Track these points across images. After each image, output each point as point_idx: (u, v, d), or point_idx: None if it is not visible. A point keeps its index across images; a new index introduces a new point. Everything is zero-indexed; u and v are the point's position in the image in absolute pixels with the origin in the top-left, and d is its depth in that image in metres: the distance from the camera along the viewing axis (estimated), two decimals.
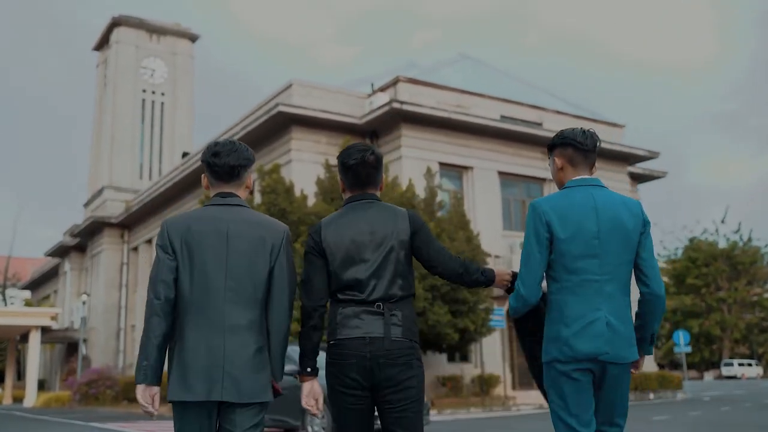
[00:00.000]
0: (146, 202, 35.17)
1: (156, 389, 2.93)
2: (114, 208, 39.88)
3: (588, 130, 3.25)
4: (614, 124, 30.87)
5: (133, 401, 28.29)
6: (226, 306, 2.92)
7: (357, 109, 25.55)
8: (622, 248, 3.04)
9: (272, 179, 18.92)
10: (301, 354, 3.19)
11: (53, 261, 49.11)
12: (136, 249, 38.18)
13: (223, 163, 3.09)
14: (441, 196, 22.40)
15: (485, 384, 22.40)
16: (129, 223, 38.55)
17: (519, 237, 25.65)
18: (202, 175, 3.24)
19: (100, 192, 42.28)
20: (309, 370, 3.15)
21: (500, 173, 26.50)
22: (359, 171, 3.27)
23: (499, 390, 23.22)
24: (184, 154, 33.44)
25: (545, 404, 18.47)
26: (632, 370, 3.15)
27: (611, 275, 3.02)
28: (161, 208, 34.36)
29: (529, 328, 3.32)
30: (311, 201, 19.89)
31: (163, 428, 14.35)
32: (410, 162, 23.82)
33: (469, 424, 14.84)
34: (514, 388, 24.84)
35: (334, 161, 20.41)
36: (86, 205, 44.85)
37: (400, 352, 3.09)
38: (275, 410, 11.08)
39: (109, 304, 37.79)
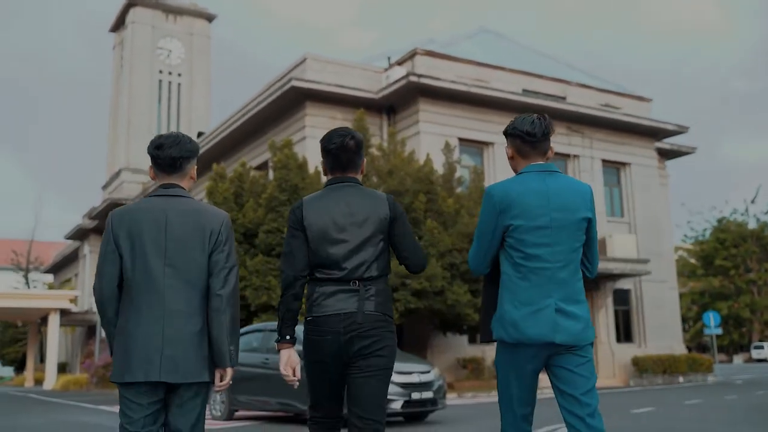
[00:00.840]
0: None
1: None
2: (131, 189, 39.55)
3: (539, 118, 3.26)
4: (641, 98, 29.77)
5: None
6: (165, 291, 3.05)
7: (373, 84, 24.75)
8: (574, 235, 3.12)
9: (284, 154, 18.21)
10: (280, 321, 3.31)
11: (74, 244, 49.05)
12: None
13: (165, 156, 3.20)
14: (460, 172, 21.57)
15: None
16: None
17: None
18: (149, 166, 3.35)
19: (117, 174, 41.99)
20: (288, 337, 3.29)
21: None
22: (339, 155, 3.39)
23: None
24: (199, 134, 32.95)
25: None
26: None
27: (564, 262, 3.09)
28: None
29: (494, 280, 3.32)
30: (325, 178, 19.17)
31: None
32: (428, 137, 23.00)
33: (490, 408, 14.12)
34: None
35: None
36: (104, 187, 44.63)
37: (372, 324, 3.22)
38: (282, 394, 10.49)
39: None
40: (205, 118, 44.55)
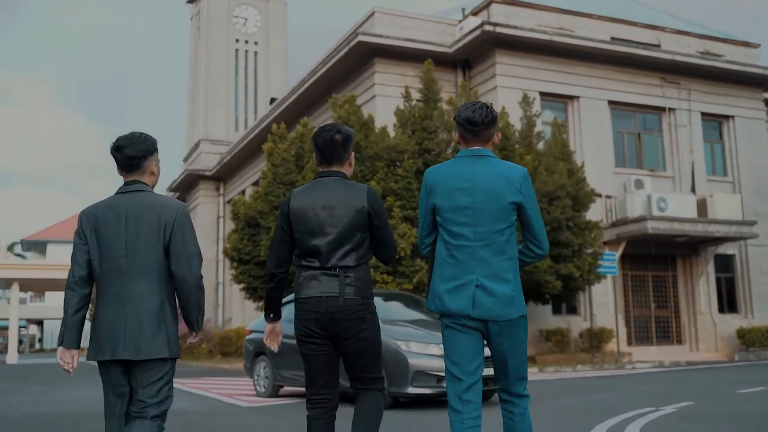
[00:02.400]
0: (237, 152, 34.13)
1: (75, 351, 3.45)
2: (209, 161, 39.26)
3: (482, 107, 3.43)
4: (747, 44, 26.90)
5: (227, 356, 27.68)
6: (125, 279, 3.39)
7: (446, 38, 23.08)
8: (496, 218, 3.30)
9: (344, 111, 16.92)
10: (264, 307, 3.82)
11: None
12: (230, 202, 37.40)
13: (122, 156, 3.49)
14: (540, 128, 19.76)
15: (595, 339, 19.89)
16: (223, 176, 37.79)
17: (634, 174, 22.72)
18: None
19: (196, 146, 41.86)
20: (272, 316, 3.78)
21: (611, 103, 23.43)
22: (325, 149, 3.65)
23: (611, 346, 20.63)
24: (272, 100, 32.08)
25: (665, 361, 15.37)
26: None
27: (485, 241, 3.30)
28: (253, 157, 33.19)
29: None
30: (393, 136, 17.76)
31: (218, 384, 13.10)
32: (506, 93, 21.23)
33: (574, 384, 12.56)
34: (629, 343, 22.18)
35: (416, 94, 18.21)
36: (185, 159, 44.66)
37: (352, 308, 3.54)
38: (296, 366, 9.50)
39: (206, 258, 37.29)
40: (282, 87, 43.75)
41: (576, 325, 21.04)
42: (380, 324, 3.76)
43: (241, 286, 19.06)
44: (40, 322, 74.96)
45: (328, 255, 3.53)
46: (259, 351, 11.02)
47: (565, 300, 19.86)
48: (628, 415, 7.67)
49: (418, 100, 18.02)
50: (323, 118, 25.01)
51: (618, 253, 20.75)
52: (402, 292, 12.31)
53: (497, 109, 19.27)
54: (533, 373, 16.42)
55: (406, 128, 17.34)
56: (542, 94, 22.10)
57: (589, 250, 18.07)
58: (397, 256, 15.79)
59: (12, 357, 35.18)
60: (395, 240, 3.77)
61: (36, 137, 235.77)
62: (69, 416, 8.79)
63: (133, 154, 3.46)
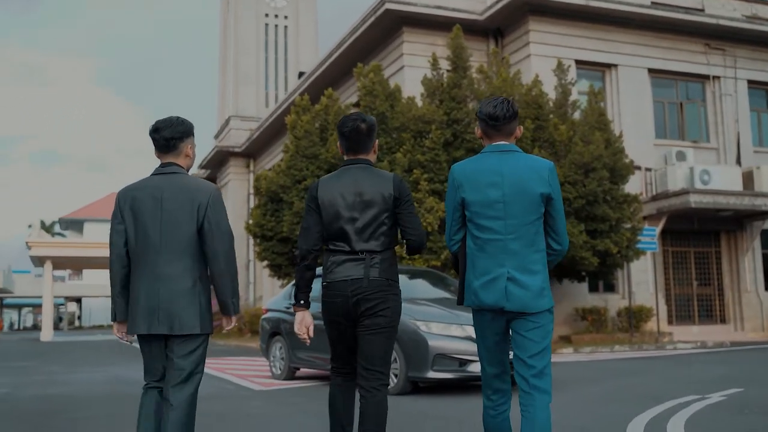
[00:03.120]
0: (266, 128, 33.61)
1: (125, 325, 3.72)
2: (239, 137, 38.84)
3: (503, 102, 3.46)
4: None
5: (257, 334, 27.34)
6: (160, 258, 3.57)
7: (477, 5, 22.09)
8: (527, 210, 3.33)
9: (369, 80, 16.19)
10: (295, 289, 3.81)
11: None
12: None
13: (160, 137, 3.68)
14: (576, 97, 18.79)
15: (634, 317, 19.02)
16: (253, 152, 37.34)
17: (676, 146, 21.63)
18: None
19: (227, 122, 41.48)
20: (301, 302, 3.81)
21: (651, 71, 22.28)
22: (351, 138, 3.79)
23: (650, 325, 19.74)
24: (300, 74, 31.44)
25: (708, 341, 14.30)
26: None
27: (516, 234, 3.33)
28: (282, 133, 32.55)
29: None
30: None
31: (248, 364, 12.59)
32: (540, 61, 20.23)
33: (610, 367, 11.81)
34: (669, 322, 21.25)
35: (446, 65, 17.38)
36: (216, 136, 44.35)
37: (376, 288, 3.65)
38: (313, 348, 8.90)
39: (237, 236, 36.95)
40: (312, 62, 42.96)
41: (613, 303, 20.18)
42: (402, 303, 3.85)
43: (265, 263, 18.53)
44: (78, 300, 75.90)
45: (355, 240, 3.67)
46: (275, 331, 10.45)
47: (602, 277, 18.95)
48: (669, 405, 6.92)
49: (447, 70, 17.21)
50: (351, 90, 24.29)
51: (658, 229, 19.78)
52: (428, 269, 11.62)
53: (530, 77, 18.38)
54: (568, 354, 15.68)
55: (434, 98, 16.56)
56: (578, 62, 21.07)
57: (628, 225, 17.17)
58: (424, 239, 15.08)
59: (46, 335, 35.40)
60: (422, 225, 3.92)
61: (76, 117, 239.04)
62: (70, 400, 8.33)
63: (170, 135, 3.66)
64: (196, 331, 3.56)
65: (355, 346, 3.77)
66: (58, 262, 38.68)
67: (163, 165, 3.69)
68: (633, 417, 6.19)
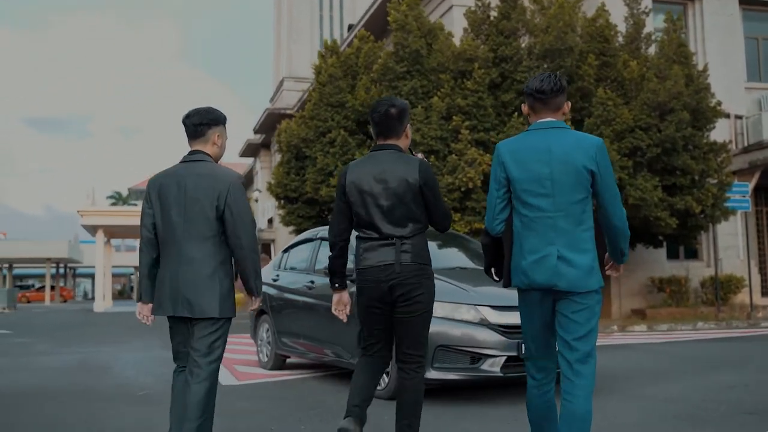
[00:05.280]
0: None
1: (151, 306, 3.83)
2: (291, 98, 37.10)
3: (549, 76, 3.39)
4: None
5: None
6: (183, 243, 3.68)
7: None
8: (575, 187, 3.23)
9: (401, 13, 13.88)
10: (330, 275, 3.95)
11: (250, 161, 48.22)
12: None
13: (189, 123, 3.79)
14: (650, 29, 15.95)
15: (721, 289, 16.32)
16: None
17: None
18: None
19: (280, 84, 39.86)
20: (337, 285, 3.93)
21: (742, 3, 19.24)
22: (381, 123, 3.83)
23: (741, 297, 17.01)
24: (350, 27, 29.33)
25: None
26: (613, 273, 3.46)
27: (565, 212, 3.23)
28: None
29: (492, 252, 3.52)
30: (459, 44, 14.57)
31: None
32: None
33: (691, 353, 9.38)
34: (764, 294, 18.50)
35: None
36: (271, 99, 42.82)
37: (409, 274, 3.68)
38: (299, 332, 7.61)
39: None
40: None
41: (696, 272, 17.51)
42: None
43: (290, 229, 16.61)
44: None
45: (385, 226, 3.71)
46: (261, 309, 8.42)
47: (683, 242, 16.26)
48: None
49: (497, 5, 14.74)
50: None
51: (750, 185, 16.95)
52: (453, 232, 9.37)
53: (595, 6, 15.68)
54: (639, 334, 13.22)
55: (479, 33, 14.13)
56: None
57: (714, 180, 14.42)
58: (462, 195, 12.85)
59: (99, 305, 34.77)
60: (448, 207, 4.14)
61: (154, 92, 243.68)
62: (45, 391, 6.53)
63: (198, 121, 3.77)
64: (215, 314, 3.64)
65: (390, 328, 3.82)
66: (111, 231, 37.97)
67: (190, 153, 3.81)
68: None
